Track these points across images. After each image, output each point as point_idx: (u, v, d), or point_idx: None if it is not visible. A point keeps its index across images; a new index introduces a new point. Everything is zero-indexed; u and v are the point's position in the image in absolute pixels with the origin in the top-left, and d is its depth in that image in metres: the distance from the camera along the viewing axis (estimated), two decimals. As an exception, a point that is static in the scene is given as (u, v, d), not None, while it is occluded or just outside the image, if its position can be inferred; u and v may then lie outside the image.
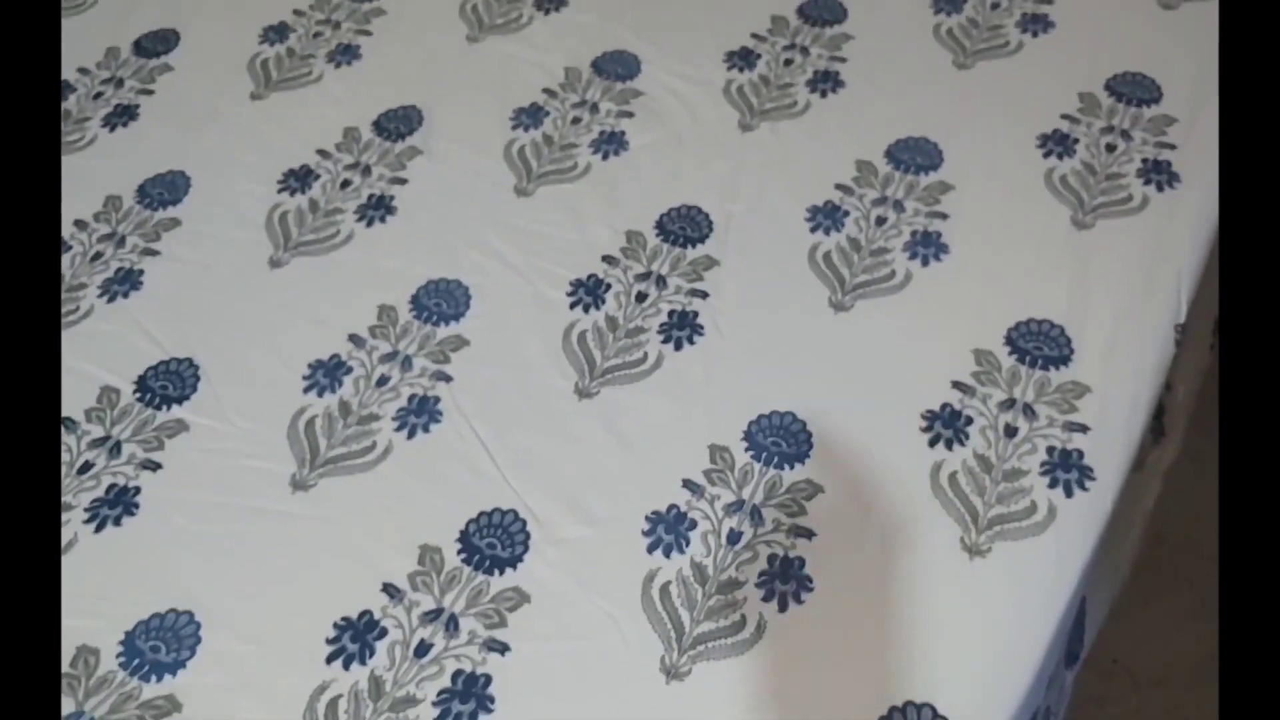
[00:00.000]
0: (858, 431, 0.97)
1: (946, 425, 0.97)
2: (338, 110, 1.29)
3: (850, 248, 1.11)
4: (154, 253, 1.16)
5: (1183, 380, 1.09)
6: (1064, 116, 1.20)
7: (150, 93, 1.33)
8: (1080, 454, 0.94)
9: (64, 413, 1.02)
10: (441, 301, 1.09)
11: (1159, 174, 1.13)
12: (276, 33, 1.39)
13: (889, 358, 1.02)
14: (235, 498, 0.96)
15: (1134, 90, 1.21)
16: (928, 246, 1.10)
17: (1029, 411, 0.97)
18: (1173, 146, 1.16)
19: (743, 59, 1.31)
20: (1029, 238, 1.10)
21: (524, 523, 0.93)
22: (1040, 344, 1.01)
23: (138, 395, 1.04)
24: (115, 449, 1.00)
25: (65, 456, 1.00)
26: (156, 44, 1.38)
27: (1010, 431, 0.96)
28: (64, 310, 1.10)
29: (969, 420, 0.97)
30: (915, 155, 1.18)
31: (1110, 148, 1.16)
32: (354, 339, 1.07)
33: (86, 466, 0.99)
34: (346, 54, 1.35)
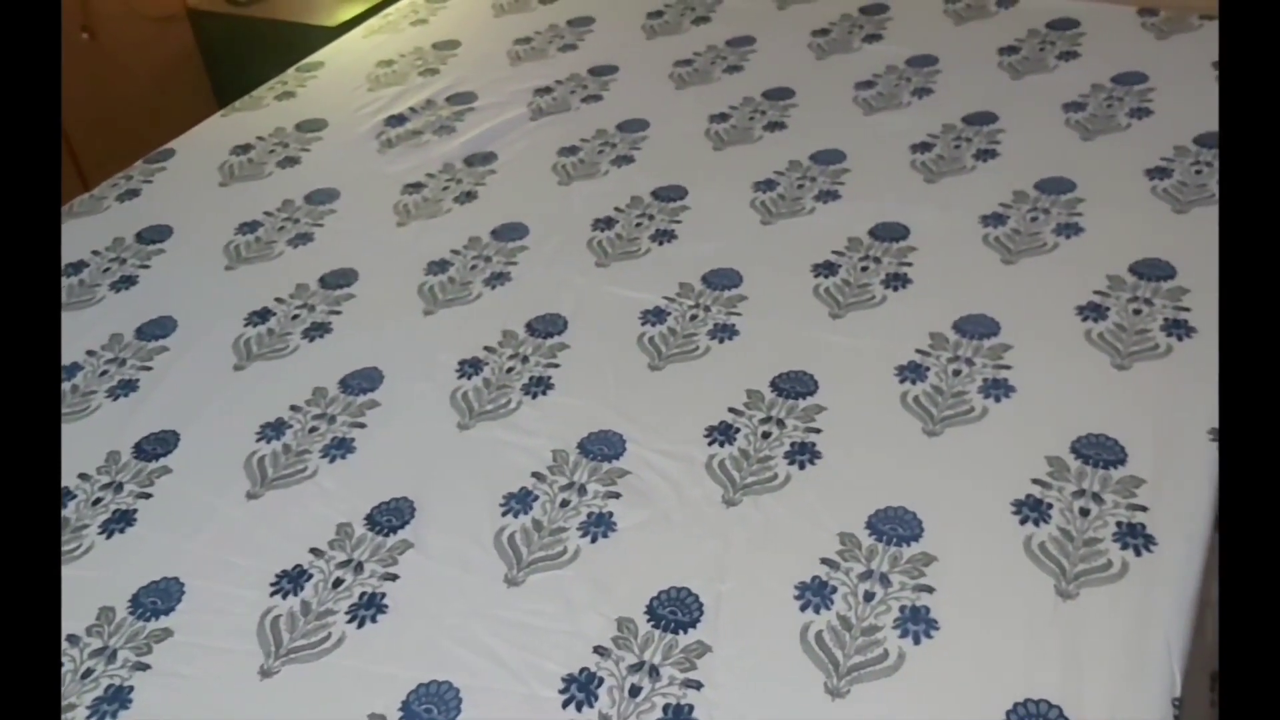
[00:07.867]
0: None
1: (955, 826, 0.94)
2: (331, 506, 1.32)
3: (841, 626, 1.11)
4: (145, 667, 1.15)
5: (1189, 748, 1.07)
6: (1035, 481, 1.24)
7: (148, 496, 1.36)
8: None
9: None
10: (432, 707, 1.08)
11: (1134, 538, 1.16)
12: (274, 430, 1.44)
13: (890, 749, 1.01)
14: None
15: (1099, 452, 1.26)
16: (917, 623, 1.11)
17: (1037, 806, 0.94)
18: (1144, 508, 1.19)
19: (722, 433, 1.36)
20: (1016, 610, 1.11)
21: None
22: (1041, 728, 1.00)
23: (119, 831, 1.01)
24: None
25: None
26: (156, 446, 1.43)
27: (1021, 830, 0.93)
28: (50, 737, 1.09)
29: (977, 820, 0.94)
30: (896, 526, 1.21)
31: (1084, 512, 1.19)
32: (345, 755, 1.05)
33: None
34: (341, 448, 1.40)
